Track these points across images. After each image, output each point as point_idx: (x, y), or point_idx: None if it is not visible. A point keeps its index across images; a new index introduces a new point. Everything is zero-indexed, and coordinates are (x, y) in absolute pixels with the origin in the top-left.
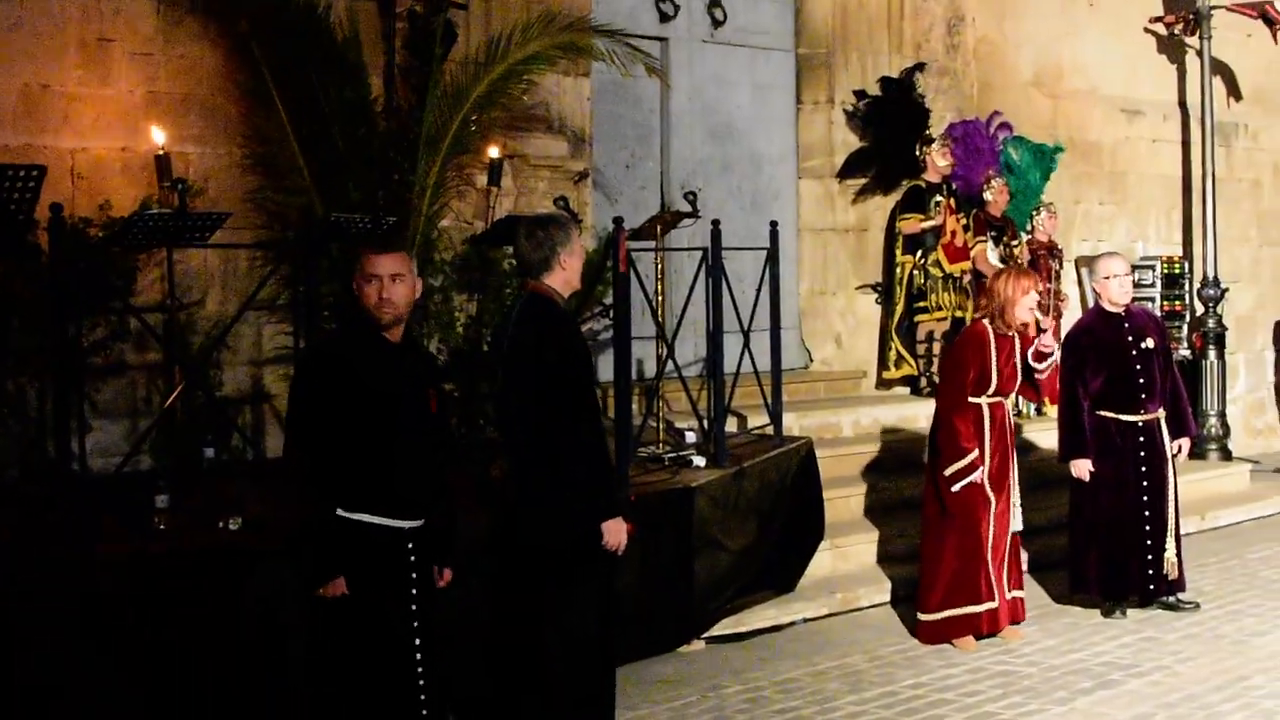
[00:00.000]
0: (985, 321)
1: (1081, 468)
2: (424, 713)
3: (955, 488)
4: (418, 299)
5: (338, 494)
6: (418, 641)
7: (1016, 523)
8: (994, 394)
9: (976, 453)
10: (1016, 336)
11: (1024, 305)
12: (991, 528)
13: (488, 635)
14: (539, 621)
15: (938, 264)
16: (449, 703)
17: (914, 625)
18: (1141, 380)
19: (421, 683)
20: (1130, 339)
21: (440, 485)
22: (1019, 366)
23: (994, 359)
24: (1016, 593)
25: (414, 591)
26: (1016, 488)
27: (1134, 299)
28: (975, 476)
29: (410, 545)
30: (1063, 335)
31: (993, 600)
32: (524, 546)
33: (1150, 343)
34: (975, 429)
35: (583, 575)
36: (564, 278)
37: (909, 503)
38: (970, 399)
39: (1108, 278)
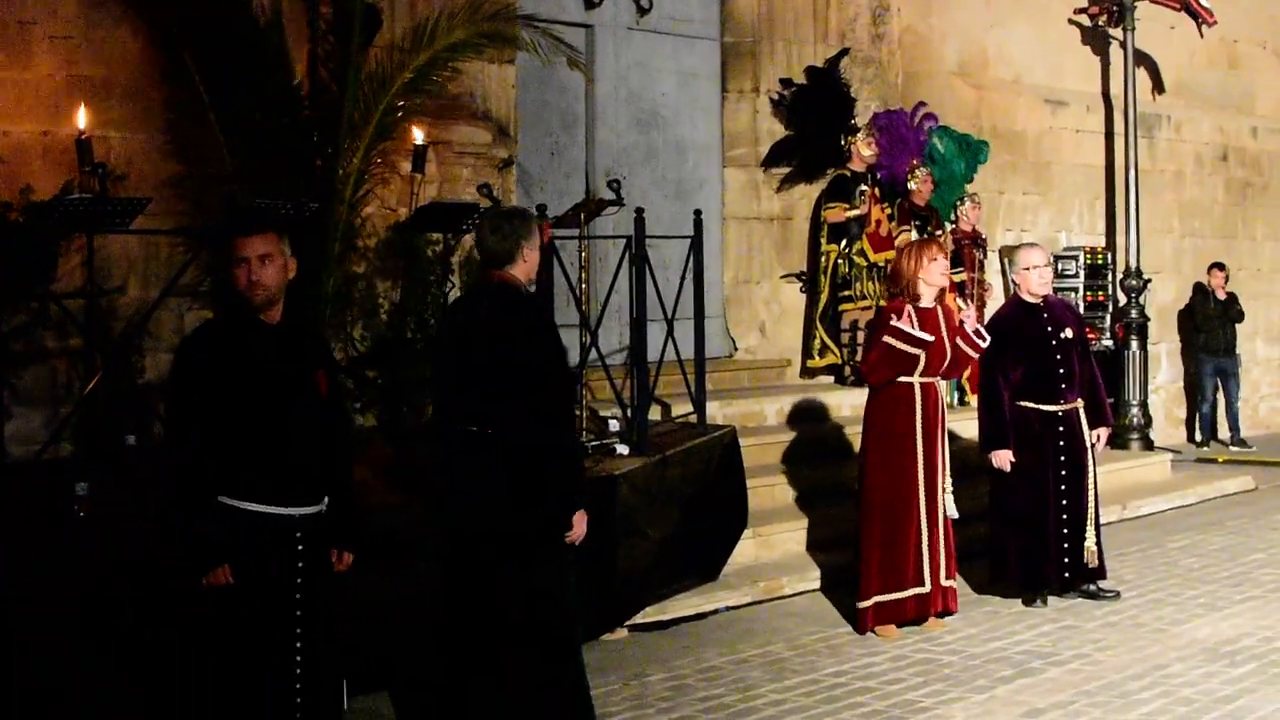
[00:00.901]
0: (901, 298)
1: (1002, 458)
2: (298, 700)
3: (896, 342)
4: (291, 278)
5: (221, 482)
6: (299, 630)
7: (951, 509)
8: (924, 373)
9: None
10: (940, 310)
11: (934, 272)
12: (923, 511)
13: (438, 618)
14: (496, 605)
15: (862, 253)
16: (329, 693)
17: (839, 613)
18: (1061, 370)
19: (299, 671)
20: (1050, 329)
21: (335, 469)
22: (950, 345)
23: (914, 331)
24: (949, 581)
25: (299, 580)
26: (948, 473)
27: (1057, 290)
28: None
29: (299, 534)
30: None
31: (922, 585)
32: (489, 530)
33: (1069, 333)
34: (899, 409)
35: (547, 558)
36: (526, 269)
37: (833, 491)
38: (902, 378)
39: (1027, 269)
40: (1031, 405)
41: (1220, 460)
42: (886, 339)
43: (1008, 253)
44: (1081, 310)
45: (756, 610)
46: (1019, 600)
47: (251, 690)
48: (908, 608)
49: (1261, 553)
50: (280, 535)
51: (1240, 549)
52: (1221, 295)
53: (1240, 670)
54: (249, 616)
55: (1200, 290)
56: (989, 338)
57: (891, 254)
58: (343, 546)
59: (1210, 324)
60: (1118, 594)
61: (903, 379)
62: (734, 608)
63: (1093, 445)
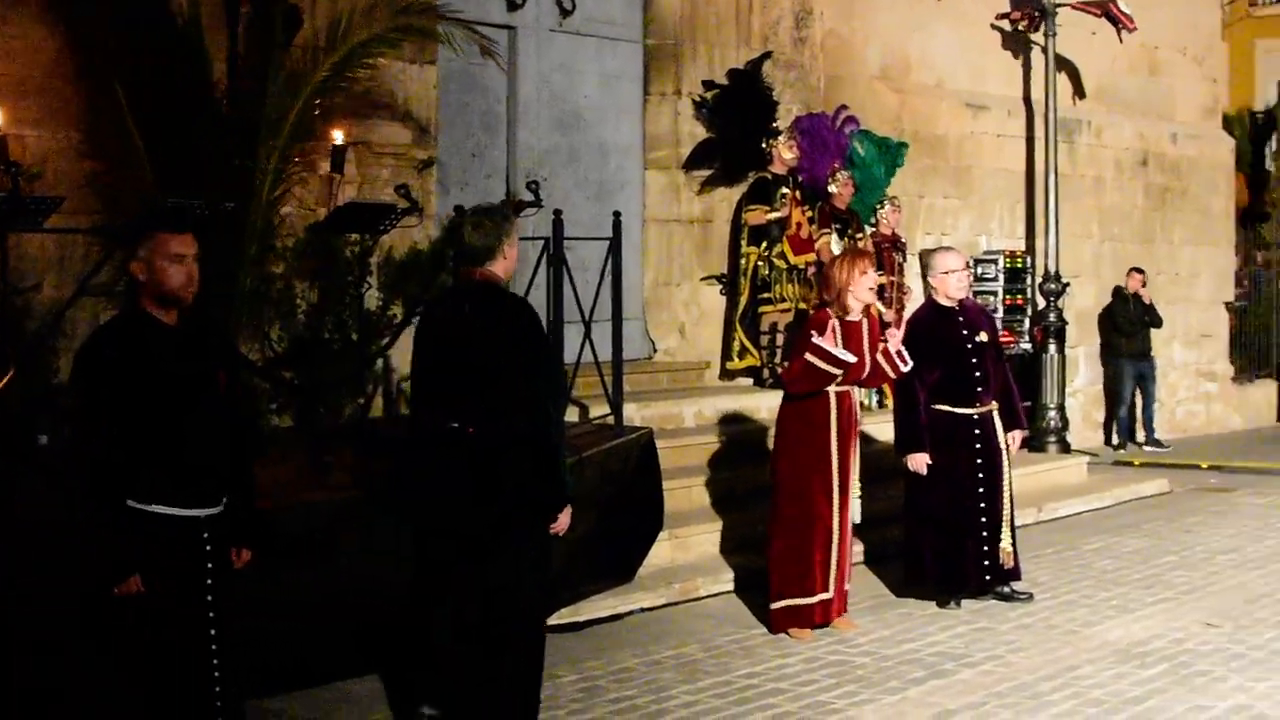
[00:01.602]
0: (827, 308)
1: (918, 461)
2: (218, 705)
3: (818, 361)
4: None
5: (129, 486)
6: (213, 632)
7: (855, 515)
8: (841, 382)
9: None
10: (864, 323)
11: (863, 286)
12: (834, 518)
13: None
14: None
15: (782, 256)
16: (245, 690)
17: (754, 614)
18: (977, 374)
19: (217, 674)
20: (965, 333)
21: (236, 468)
22: (870, 359)
23: (839, 342)
24: (846, 585)
25: (209, 581)
26: (858, 480)
27: (977, 293)
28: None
29: (205, 534)
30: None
31: (827, 592)
32: (466, 526)
33: (984, 337)
34: (815, 416)
35: (538, 543)
36: (506, 266)
37: (750, 493)
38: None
39: (946, 273)
40: (947, 408)
41: (1136, 463)
42: (809, 357)
43: (925, 256)
44: (1000, 314)
45: (671, 612)
46: (933, 602)
47: (170, 694)
48: (815, 613)
49: (1174, 555)
50: (188, 537)
51: (1153, 551)
52: (1145, 299)
53: (1150, 671)
54: (162, 622)
55: (1119, 294)
56: (910, 362)
57: (811, 256)
58: (241, 544)
59: (1130, 327)
60: (1031, 596)
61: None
62: (648, 609)
63: (1006, 447)
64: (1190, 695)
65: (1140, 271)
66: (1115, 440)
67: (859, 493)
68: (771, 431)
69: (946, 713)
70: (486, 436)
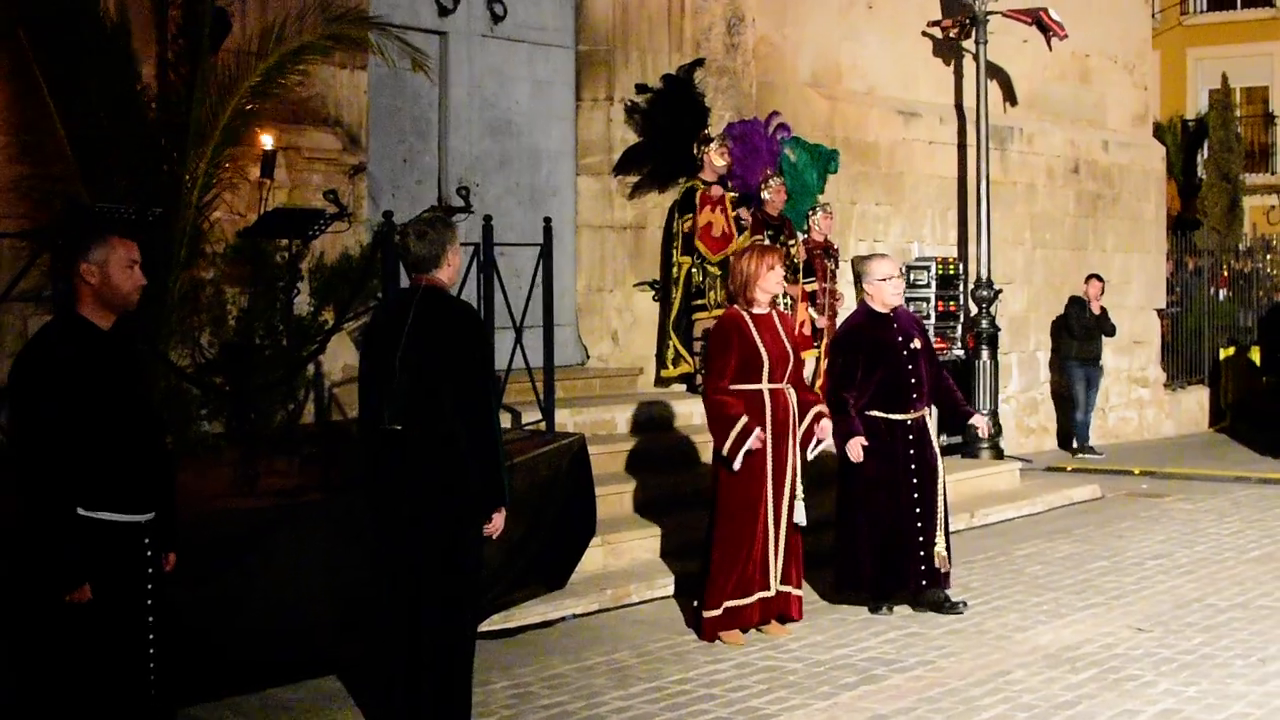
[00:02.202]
0: (736, 305)
1: (855, 446)
2: (154, 710)
3: (737, 463)
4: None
5: (76, 494)
6: (151, 637)
7: (799, 516)
8: (772, 379)
9: (746, 418)
10: (776, 315)
11: (771, 280)
12: (770, 519)
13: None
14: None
15: (719, 264)
16: (178, 697)
17: (686, 620)
18: (912, 380)
19: (153, 679)
20: (900, 339)
21: (164, 473)
22: (791, 349)
23: (757, 340)
24: (794, 589)
25: (149, 586)
26: (799, 480)
27: (909, 300)
28: (753, 442)
29: (146, 540)
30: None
31: (767, 590)
32: (415, 521)
33: (917, 343)
34: (750, 417)
35: (475, 544)
36: (450, 273)
37: (683, 499)
38: (747, 386)
39: (884, 279)
40: (881, 415)
41: (1068, 469)
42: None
43: (858, 263)
44: (933, 320)
45: (603, 618)
46: (864, 608)
47: (109, 700)
48: (753, 613)
49: (1105, 560)
50: (130, 543)
51: (1085, 557)
52: (1096, 308)
53: (1081, 676)
54: (103, 628)
55: (1076, 301)
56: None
57: (733, 246)
58: (169, 549)
59: (1086, 334)
60: (964, 605)
61: (751, 386)
62: (580, 615)
63: (981, 432)
64: (1120, 700)
65: (1099, 279)
66: (1075, 445)
67: (801, 494)
68: (702, 438)
69: (878, 717)
70: (427, 438)
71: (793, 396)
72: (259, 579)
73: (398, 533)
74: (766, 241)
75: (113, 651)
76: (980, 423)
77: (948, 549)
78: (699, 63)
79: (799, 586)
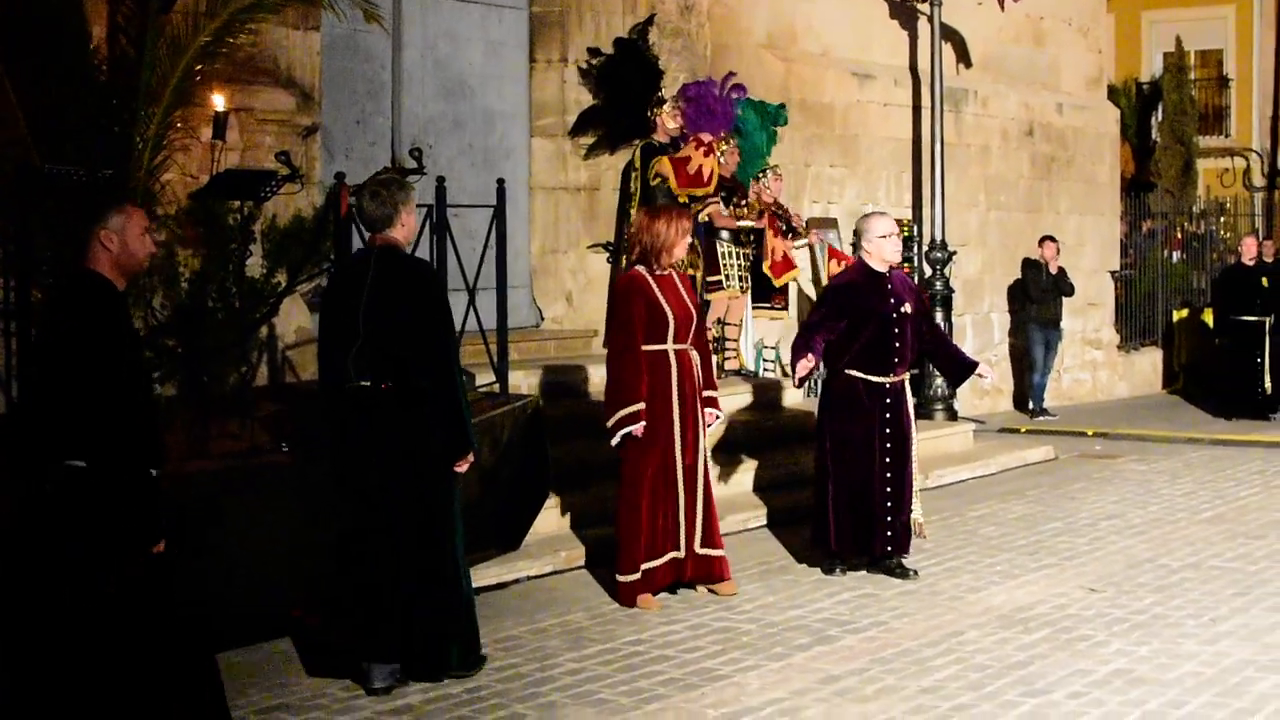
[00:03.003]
0: (639, 266)
1: (802, 366)
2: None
3: (615, 439)
4: None
5: (143, 450)
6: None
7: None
8: (676, 340)
9: (643, 405)
10: (675, 276)
11: (682, 246)
12: (680, 482)
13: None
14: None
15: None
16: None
17: (607, 590)
18: (896, 344)
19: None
20: (892, 301)
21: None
22: (693, 308)
23: (662, 300)
24: (715, 551)
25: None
26: (705, 441)
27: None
28: (636, 429)
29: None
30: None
31: (677, 550)
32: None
33: (908, 308)
34: (657, 378)
35: (448, 496)
36: (405, 232)
37: None
38: (651, 346)
39: (884, 237)
40: (860, 375)
41: (1022, 430)
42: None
43: (815, 224)
44: None
45: (558, 579)
46: (818, 569)
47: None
48: (665, 573)
49: (1058, 521)
50: (162, 499)
51: (1038, 518)
52: (1054, 269)
53: (1033, 637)
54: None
55: (1031, 264)
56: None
57: (698, 192)
58: None
59: (1043, 296)
60: (915, 573)
61: (657, 347)
62: (534, 577)
63: (987, 380)
64: (1072, 660)
65: (1053, 240)
66: (1031, 406)
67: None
68: None
69: (831, 678)
70: (393, 395)
71: (696, 358)
72: (213, 541)
73: (369, 492)
74: (721, 205)
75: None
76: (986, 370)
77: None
78: (649, 21)
79: (720, 547)
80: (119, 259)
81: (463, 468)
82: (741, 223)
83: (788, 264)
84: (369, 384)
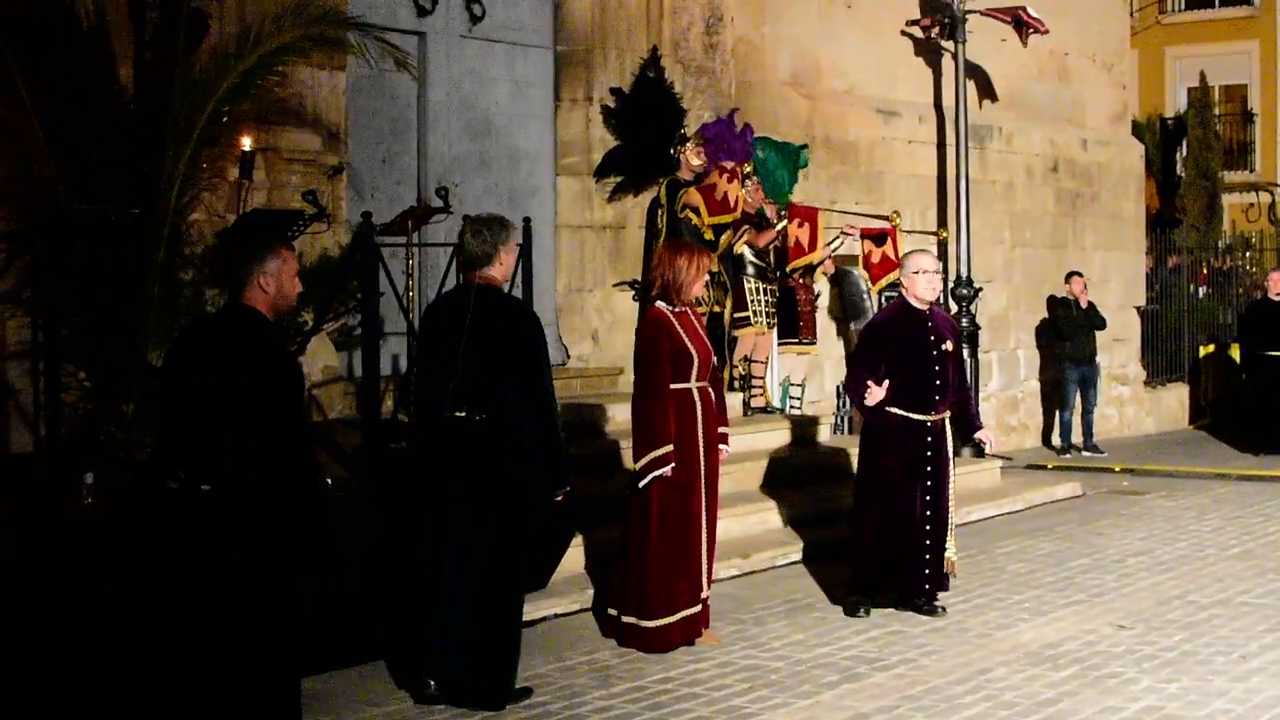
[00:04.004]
0: (660, 304)
1: (875, 392)
2: None
3: (643, 482)
4: None
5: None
6: None
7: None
8: (699, 378)
9: (672, 446)
10: (690, 312)
11: (700, 284)
12: (704, 523)
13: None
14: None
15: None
16: None
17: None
18: (937, 382)
19: None
20: (933, 339)
21: None
22: (709, 344)
23: (685, 338)
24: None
25: None
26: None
27: (888, 297)
28: (666, 470)
29: None
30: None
31: (705, 591)
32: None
33: (949, 345)
34: (682, 417)
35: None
36: (502, 270)
37: None
38: (677, 386)
39: (917, 273)
40: (902, 413)
41: (1050, 466)
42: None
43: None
44: None
45: (584, 618)
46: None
47: None
48: (702, 619)
49: (1086, 558)
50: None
51: (1066, 554)
52: (1083, 303)
53: (1062, 674)
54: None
55: (1060, 301)
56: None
57: (726, 218)
58: None
59: (1076, 332)
60: (943, 609)
61: (682, 386)
62: (561, 615)
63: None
64: (1102, 697)
65: (1080, 275)
66: (1057, 443)
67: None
68: None
69: (859, 716)
70: (491, 427)
71: (712, 395)
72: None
73: (452, 516)
74: (750, 228)
75: None
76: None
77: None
78: (655, 56)
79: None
80: (274, 300)
81: (560, 497)
82: (778, 226)
83: (886, 266)
84: (464, 415)
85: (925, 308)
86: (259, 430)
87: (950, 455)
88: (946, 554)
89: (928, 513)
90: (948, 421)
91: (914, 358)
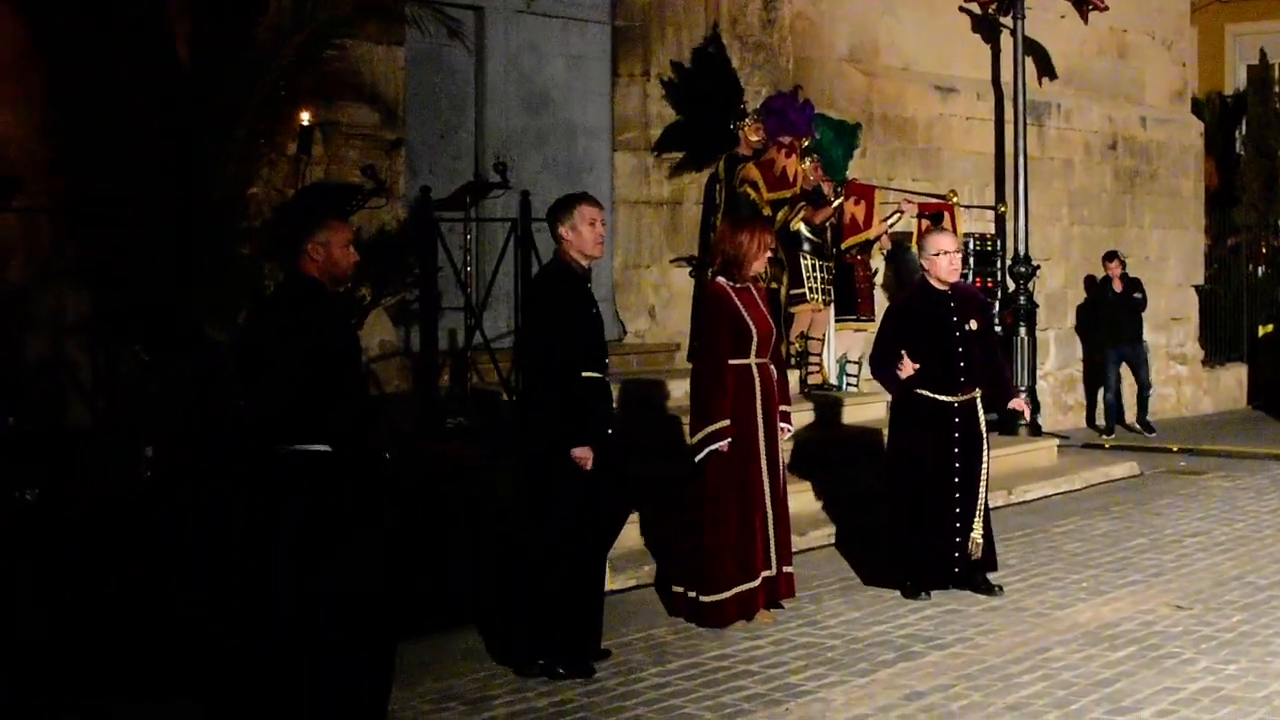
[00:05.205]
0: (721, 278)
1: (907, 365)
2: None
3: (699, 456)
4: None
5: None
6: None
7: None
8: (759, 354)
9: (728, 421)
10: (754, 289)
11: (762, 260)
12: (768, 497)
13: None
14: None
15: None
16: None
17: (670, 610)
18: (962, 363)
19: None
20: (955, 319)
21: None
22: (772, 324)
23: (745, 314)
24: (789, 567)
25: None
26: (783, 457)
27: None
28: (722, 445)
29: None
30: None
31: (770, 569)
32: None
33: (973, 325)
34: (740, 392)
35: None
36: (572, 245)
37: None
38: (735, 361)
39: (937, 254)
40: (929, 394)
41: (1106, 445)
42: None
43: (921, 238)
44: None
45: (642, 594)
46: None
47: None
48: (762, 595)
49: (1144, 537)
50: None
51: (1123, 534)
52: (1118, 286)
53: (1120, 654)
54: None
55: (1097, 282)
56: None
57: (785, 194)
58: None
59: (1113, 313)
60: (1000, 589)
61: (741, 362)
62: (618, 591)
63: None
64: (1159, 677)
65: (1117, 256)
66: (1100, 423)
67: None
68: None
69: (915, 694)
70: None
71: (774, 373)
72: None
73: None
74: (807, 205)
75: None
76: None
77: (985, 535)
78: (716, 33)
79: (791, 564)
80: (325, 267)
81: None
82: (835, 203)
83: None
84: (597, 375)
85: (946, 288)
86: (333, 391)
87: (984, 435)
88: (972, 534)
89: (957, 494)
90: (978, 402)
91: (937, 339)
